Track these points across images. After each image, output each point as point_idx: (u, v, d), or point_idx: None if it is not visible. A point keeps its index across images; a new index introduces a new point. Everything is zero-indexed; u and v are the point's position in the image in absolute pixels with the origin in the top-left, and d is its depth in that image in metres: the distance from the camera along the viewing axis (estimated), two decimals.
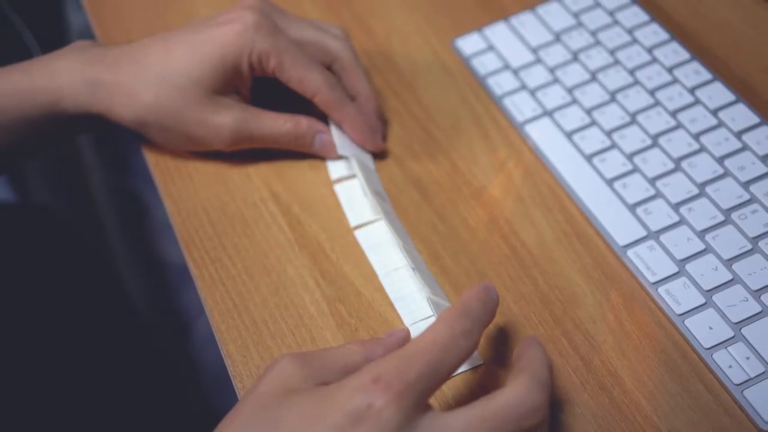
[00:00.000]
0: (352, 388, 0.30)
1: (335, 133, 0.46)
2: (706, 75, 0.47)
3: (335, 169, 0.47)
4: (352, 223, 0.44)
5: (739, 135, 0.45)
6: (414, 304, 0.41)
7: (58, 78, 0.43)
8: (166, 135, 0.45)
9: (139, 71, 0.44)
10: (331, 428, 0.29)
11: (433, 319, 0.40)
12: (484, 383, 0.38)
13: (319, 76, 0.44)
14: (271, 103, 0.46)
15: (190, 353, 1.00)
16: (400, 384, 0.29)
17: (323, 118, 0.47)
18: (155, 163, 0.48)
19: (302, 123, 0.45)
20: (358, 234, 0.44)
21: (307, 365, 0.32)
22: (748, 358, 0.37)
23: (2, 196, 0.86)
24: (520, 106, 0.48)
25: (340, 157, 0.47)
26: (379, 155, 0.48)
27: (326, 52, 0.46)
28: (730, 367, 0.37)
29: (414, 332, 0.40)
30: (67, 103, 0.44)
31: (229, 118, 0.44)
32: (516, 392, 0.31)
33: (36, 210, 0.84)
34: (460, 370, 0.38)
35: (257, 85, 0.46)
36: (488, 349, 0.39)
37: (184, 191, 0.46)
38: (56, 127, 0.45)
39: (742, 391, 0.36)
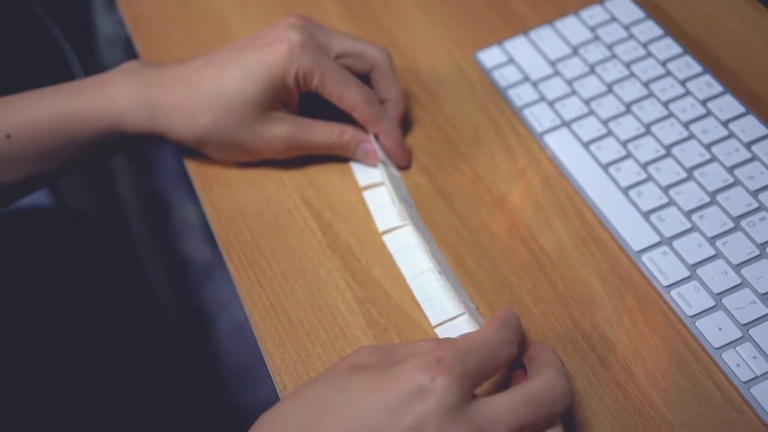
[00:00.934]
0: (417, 364, 0.32)
1: (372, 140, 0.49)
2: (717, 88, 0.50)
3: (363, 177, 0.49)
4: (381, 228, 0.47)
5: (749, 146, 0.47)
6: (440, 305, 0.44)
7: (118, 103, 0.46)
8: (223, 150, 0.49)
9: (195, 94, 0.46)
10: (396, 397, 0.32)
11: (460, 320, 0.43)
12: (508, 378, 0.41)
13: (358, 92, 0.47)
14: (318, 109, 0.49)
15: (212, 350, 1.02)
16: (460, 368, 0.32)
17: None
18: (194, 171, 0.51)
19: (348, 133, 0.48)
20: (386, 238, 0.47)
21: (381, 352, 0.35)
22: (755, 358, 0.40)
23: (36, 198, 0.89)
24: (539, 117, 0.51)
25: (374, 166, 0.49)
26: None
27: (366, 61, 0.49)
28: (738, 365, 0.39)
29: (440, 332, 0.43)
30: (128, 126, 0.47)
31: (281, 131, 0.47)
32: (548, 379, 0.34)
33: (68, 211, 0.87)
34: None
35: (305, 93, 0.49)
36: None
37: (223, 198, 0.49)
38: (117, 146, 0.48)
39: (749, 389, 0.39)
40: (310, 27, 0.47)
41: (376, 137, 0.49)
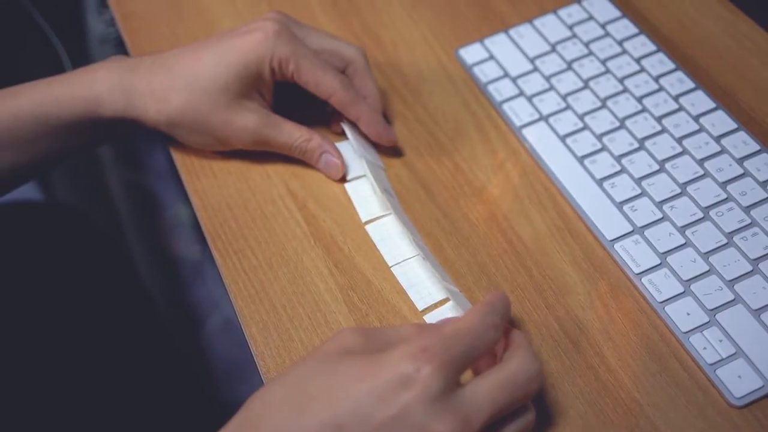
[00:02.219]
0: (402, 353, 0.33)
1: (351, 136, 0.50)
2: (689, 84, 0.51)
3: (349, 169, 0.51)
4: (363, 218, 0.49)
5: (718, 139, 0.49)
6: (425, 290, 0.45)
7: (96, 87, 0.48)
8: (194, 136, 0.49)
9: (170, 78, 0.48)
10: (382, 385, 0.33)
11: (447, 305, 0.44)
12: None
13: (334, 78, 0.48)
14: (294, 109, 0.50)
15: (203, 346, 1.03)
16: (445, 356, 0.33)
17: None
18: (182, 162, 0.52)
19: (313, 140, 0.49)
20: (369, 228, 0.48)
21: (366, 336, 0.36)
22: (720, 341, 0.41)
23: (28, 194, 0.90)
24: (518, 112, 0.52)
25: (335, 179, 0.50)
26: (388, 154, 0.52)
27: (341, 58, 0.50)
28: (705, 348, 0.41)
29: (427, 318, 0.44)
30: (105, 109, 0.48)
31: (250, 122, 0.48)
32: (520, 361, 0.36)
33: (59, 206, 0.88)
34: None
35: (282, 92, 0.51)
36: None
37: (209, 189, 0.51)
38: (94, 131, 0.49)
39: (714, 370, 0.40)
40: (287, 21, 0.49)
41: (357, 123, 0.50)
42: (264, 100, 0.50)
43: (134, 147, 1.11)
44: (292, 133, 0.49)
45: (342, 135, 0.52)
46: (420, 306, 0.45)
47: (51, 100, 0.48)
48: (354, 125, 0.51)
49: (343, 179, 0.50)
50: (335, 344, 0.36)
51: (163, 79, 0.48)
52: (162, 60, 0.49)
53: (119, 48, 1.04)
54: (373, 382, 0.33)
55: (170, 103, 0.48)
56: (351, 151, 0.51)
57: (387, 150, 0.52)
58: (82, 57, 1.02)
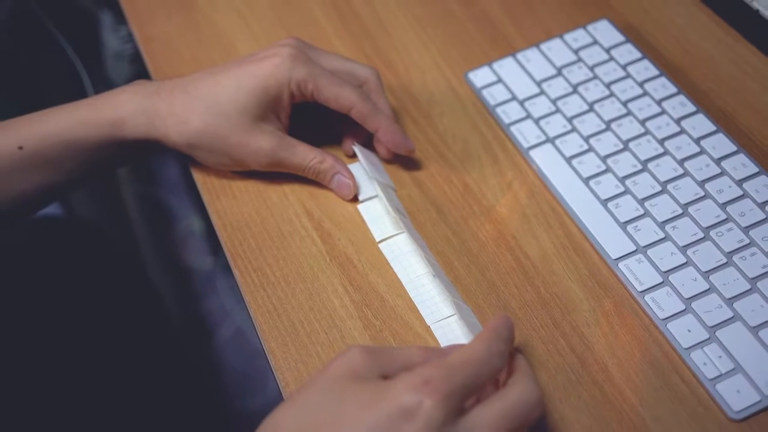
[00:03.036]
0: (406, 384, 0.34)
1: (362, 158, 0.52)
2: (690, 107, 0.53)
3: (360, 190, 0.53)
4: (377, 237, 0.51)
5: (718, 161, 0.50)
6: (434, 306, 0.47)
7: (121, 110, 0.50)
8: (212, 156, 0.52)
9: (191, 101, 0.50)
10: (385, 417, 0.34)
11: (452, 320, 0.46)
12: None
13: (352, 92, 0.51)
14: (308, 131, 0.53)
15: (214, 356, 1.05)
16: (447, 389, 0.34)
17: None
18: (202, 182, 0.54)
19: (326, 161, 0.52)
20: (383, 246, 0.50)
21: (373, 358, 0.37)
22: (720, 357, 0.43)
23: (48, 209, 0.92)
24: (525, 133, 0.54)
25: (346, 199, 0.52)
26: (399, 175, 0.54)
27: (355, 78, 0.53)
28: (705, 364, 0.43)
29: (435, 329, 0.46)
30: (129, 131, 0.50)
31: (266, 144, 0.50)
32: (521, 389, 0.37)
33: (77, 221, 0.90)
34: None
35: (296, 115, 0.53)
36: None
37: (229, 208, 0.53)
38: (119, 152, 0.51)
39: (714, 385, 0.42)
40: (302, 45, 0.51)
41: (376, 133, 0.52)
42: (281, 122, 0.52)
43: (148, 160, 1.14)
44: (307, 155, 0.51)
45: (353, 158, 0.54)
46: (429, 321, 0.47)
47: (77, 122, 0.50)
48: (365, 148, 0.54)
49: (355, 200, 0.52)
50: (344, 366, 0.37)
51: (183, 103, 0.50)
52: (183, 84, 0.51)
53: (134, 64, 1.06)
54: (377, 413, 0.34)
55: (190, 125, 0.50)
56: (363, 172, 0.53)
57: (398, 171, 0.54)
58: (98, 73, 1.04)
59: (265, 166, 0.52)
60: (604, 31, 0.59)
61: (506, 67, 0.58)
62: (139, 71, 1.05)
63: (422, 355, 0.38)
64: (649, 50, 0.58)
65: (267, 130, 0.51)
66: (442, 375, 0.35)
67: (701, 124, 0.52)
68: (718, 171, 0.50)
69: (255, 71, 0.50)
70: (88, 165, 0.51)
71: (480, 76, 0.58)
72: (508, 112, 0.56)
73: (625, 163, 0.52)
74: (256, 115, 0.50)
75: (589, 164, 0.52)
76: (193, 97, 0.50)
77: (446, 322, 0.46)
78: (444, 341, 0.46)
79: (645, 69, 0.56)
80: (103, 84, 1.04)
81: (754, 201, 0.48)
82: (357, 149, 0.53)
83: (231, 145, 0.50)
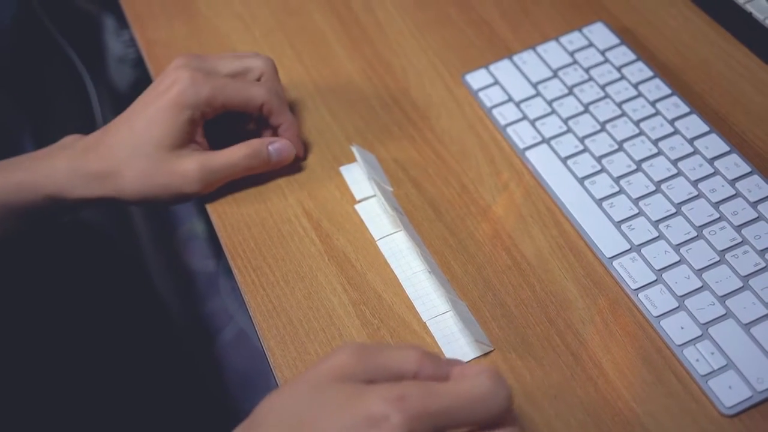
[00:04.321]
0: (380, 395, 0.34)
1: (360, 158, 0.53)
2: (684, 108, 0.54)
3: (357, 190, 0.54)
4: (375, 236, 0.51)
5: (711, 161, 0.51)
6: (430, 302, 0.48)
7: (55, 176, 0.51)
8: (155, 195, 0.52)
9: (116, 155, 0.51)
10: (351, 422, 0.34)
11: (447, 315, 0.47)
12: (496, 364, 0.44)
13: (259, 90, 0.52)
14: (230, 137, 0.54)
15: (216, 358, 1.06)
16: (418, 410, 0.33)
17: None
18: None
19: (253, 142, 0.53)
20: (380, 243, 0.51)
21: (363, 360, 0.36)
22: (712, 353, 0.44)
23: None
24: (521, 134, 0.55)
25: (291, 159, 0.54)
26: (397, 175, 0.54)
27: (254, 72, 0.54)
28: (698, 360, 0.43)
29: (430, 326, 0.47)
30: (67, 194, 0.52)
31: (191, 165, 0.51)
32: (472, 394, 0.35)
33: (78, 222, 0.91)
34: (474, 356, 0.45)
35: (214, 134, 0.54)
36: (498, 338, 0.46)
37: (229, 209, 0.54)
38: (60, 211, 0.53)
39: (706, 381, 0.43)
40: (194, 61, 0.52)
41: (279, 129, 0.54)
42: (197, 143, 0.52)
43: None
44: (232, 153, 0.52)
45: (351, 158, 0.55)
46: (425, 317, 0.47)
47: (14, 186, 0.51)
48: (363, 149, 0.54)
49: (353, 200, 0.53)
50: (333, 365, 0.36)
51: (110, 159, 0.51)
52: (105, 138, 0.52)
53: (137, 68, 1.07)
54: (347, 417, 0.34)
55: (125, 178, 0.51)
56: (360, 172, 0.54)
57: (396, 171, 0.55)
58: (101, 77, 1.05)
59: (202, 185, 0.52)
60: (599, 33, 0.59)
61: (502, 69, 0.59)
62: (141, 75, 1.06)
63: (416, 361, 0.37)
64: (643, 52, 0.59)
65: (186, 153, 0.51)
66: (420, 395, 0.34)
67: (695, 124, 0.53)
68: (711, 171, 0.51)
69: (162, 105, 0.51)
70: (28, 224, 0.53)
71: (477, 78, 0.59)
72: (505, 114, 0.56)
73: (619, 164, 0.52)
74: (173, 145, 0.51)
75: (584, 164, 0.53)
76: (117, 150, 0.51)
77: (441, 318, 0.47)
78: (439, 336, 0.46)
79: (639, 71, 0.57)
80: (106, 88, 1.05)
81: (747, 200, 0.49)
82: (355, 149, 0.54)
83: (162, 178, 0.51)
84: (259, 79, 0.54)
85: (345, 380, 0.36)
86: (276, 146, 0.53)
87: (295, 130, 0.55)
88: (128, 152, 0.51)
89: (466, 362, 0.45)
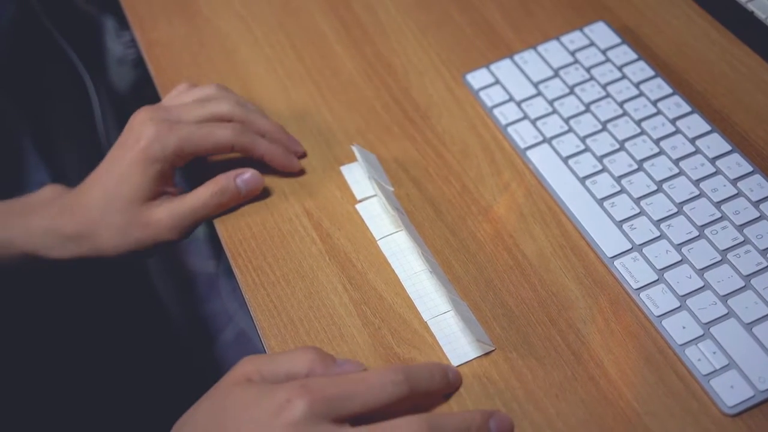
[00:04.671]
0: (284, 387, 0.39)
1: (360, 158, 0.53)
2: (686, 107, 0.54)
3: (358, 190, 0.54)
4: (376, 236, 0.51)
5: (713, 161, 0.51)
6: (431, 302, 0.48)
7: (32, 234, 0.52)
8: (132, 249, 0.52)
9: (90, 215, 0.51)
10: (263, 411, 0.38)
11: (448, 315, 0.47)
12: (498, 364, 0.45)
13: (226, 131, 0.51)
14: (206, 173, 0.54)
15: (217, 359, 1.06)
16: (317, 394, 0.38)
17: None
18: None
19: (220, 179, 0.52)
20: (381, 243, 0.51)
21: (259, 365, 0.41)
22: (714, 353, 0.43)
23: None
24: (522, 134, 0.55)
25: (258, 192, 0.53)
26: (398, 175, 0.54)
27: (219, 116, 0.53)
28: (699, 360, 0.43)
29: (431, 326, 0.47)
30: (44, 254, 0.52)
31: (163, 213, 0.51)
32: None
33: None
34: (475, 355, 0.45)
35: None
36: (500, 338, 0.46)
37: (230, 209, 0.53)
38: (38, 269, 0.54)
39: (708, 381, 0.43)
40: (158, 113, 0.52)
41: (263, 161, 0.53)
42: (169, 193, 0.52)
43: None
44: (200, 192, 0.52)
45: (352, 158, 0.55)
46: (426, 317, 0.47)
47: None
48: (363, 149, 0.54)
49: (353, 200, 0.53)
50: (232, 374, 0.41)
51: (85, 221, 0.51)
52: (79, 197, 0.52)
53: (138, 69, 1.07)
54: (257, 411, 0.38)
55: (102, 237, 0.51)
56: (361, 172, 0.54)
57: (397, 171, 0.55)
58: (102, 78, 1.05)
59: (179, 232, 0.52)
60: (601, 32, 0.59)
61: (504, 68, 0.59)
62: (142, 76, 1.06)
63: (309, 362, 0.41)
64: (644, 52, 0.59)
65: (157, 204, 0.51)
66: (320, 383, 0.39)
67: (696, 124, 0.53)
68: (713, 170, 0.51)
69: (130, 161, 0.50)
70: (5, 279, 0.54)
71: (478, 78, 0.59)
72: (506, 113, 0.56)
73: (620, 163, 0.52)
74: (144, 199, 0.51)
75: (586, 164, 0.53)
76: (91, 210, 0.51)
77: (443, 318, 0.47)
78: (440, 336, 0.46)
79: (641, 70, 0.57)
80: (107, 89, 1.05)
81: (749, 199, 0.49)
82: (356, 149, 0.54)
83: (135, 235, 0.51)
84: (231, 120, 0.53)
85: (248, 383, 0.40)
86: (244, 178, 0.52)
87: (283, 136, 0.54)
88: (102, 212, 0.51)
89: (458, 365, 0.45)
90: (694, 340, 0.44)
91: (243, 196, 0.53)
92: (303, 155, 0.56)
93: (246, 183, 0.52)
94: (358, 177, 0.54)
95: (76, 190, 0.53)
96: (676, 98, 0.54)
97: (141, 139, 0.50)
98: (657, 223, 0.49)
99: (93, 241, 0.51)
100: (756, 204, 0.49)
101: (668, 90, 0.55)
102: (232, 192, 0.52)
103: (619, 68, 0.57)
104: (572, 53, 0.59)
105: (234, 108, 0.53)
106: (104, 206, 0.51)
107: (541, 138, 0.55)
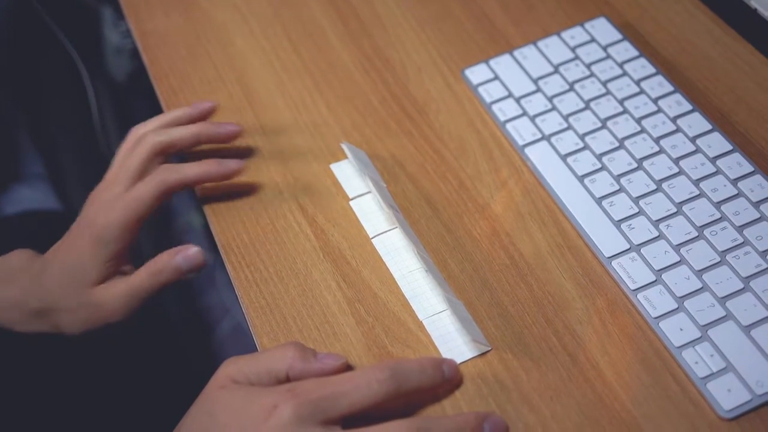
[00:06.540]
0: (273, 392, 0.39)
1: (351, 155, 0.52)
2: (687, 106, 0.53)
3: (351, 187, 0.53)
4: (370, 233, 0.51)
5: (714, 160, 0.50)
6: (426, 301, 0.47)
7: (4, 311, 0.51)
8: (88, 328, 0.51)
9: (49, 294, 0.50)
10: (251, 418, 0.38)
11: (444, 314, 0.46)
12: (492, 364, 0.44)
13: (148, 186, 0.50)
14: None
15: (214, 352, 1.05)
16: (304, 397, 0.38)
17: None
18: None
19: (160, 258, 0.50)
20: (376, 241, 0.50)
21: (241, 365, 0.41)
22: (712, 356, 0.43)
23: (44, 204, 0.92)
24: (521, 131, 0.54)
25: (201, 266, 0.50)
26: (394, 171, 0.54)
27: (146, 164, 0.51)
28: (696, 363, 0.43)
29: (427, 325, 0.46)
30: (10, 327, 0.51)
31: (108, 296, 0.50)
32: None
33: (74, 216, 0.90)
34: (471, 355, 0.45)
35: None
36: (495, 338, 0.45)
37: (223, 204, 0.53)
38: (6, 343, 0.52)
39: (705, 384, 0.42)
40: (102, 194, 0.51)
41: (213, 180, 0.52)
42: (123, 272, 0.51)
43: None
44: (140, 275, 0.50)
45: (342, 155, 0.54)
46: (421, 316, 0.47)
47: None
48: (353, 146, 0.54)
49: (348, 196, 0.52)
50: (216, 377, 0.41)
51: (47, 299, 0.50)
52: (43, 278, 0.51)
53: (135, 59, 1.07)
54: (245, 418, 0.39)
55: (60, 315, 0.50)
56: (353, 169, 0.53)
57: (393, 167, 0.54)
58: (99, 68, 1.04)
59: (127, 311, 0.51)
60: (602, 28, 0.59)
61: (503, 64, 0.58)
62: (138, 66, 1.05)
63: (289, 359, 0.41)
64: (646, 48, 0.58)
65: (104, 286, 0.50)
66: (306, 386, 0.39)
67: (697, 122, 0.52)
68: (713, 170, 0.50)
69: (86, 242, 0.50)
70: None
71: (476, 73, 0.58)
72: (504, 110, 0.56)
73: (620, 161, 0.51)
74: (94, 281, 0.50)
75: (585, 162, 0.52)
76: (51, 288, 0.50)
77: (438, 317, 0.46)
78: (436, 336, 0.46)
79: (642, 67, 0.56)
80: (103, 79, 1.04)
81: (749, 200, 0.48)
82: (345, 146, 0.53)
83: (86, 316, 0.51)
84: (162, 162, 0.52)
85: (233, 386, 0.40)
86: (185, 255, 0.50)
87: (217, 177, 0.51)
88: (59, 294, 0.50)
89: (445, 359, 0.44)
90: (691, 342, 0.44)
91: (184, 271, 0.50)
92: (238, 133, 0.53)
93: (187, 259, 0.50)
94: (349, 174, 0.53)
95: (41, 262, 0.52)
96: (677, 96, 0.54)
97: (97, 217, 0.50)
98: (656, 223, 0.48)
99: (53, 318, 0.51)
100: (756, 205, 0.48)
101: (669, 87, 0.54)
102: (170, 271, 0.50)
103: (620, 65, 0.56)
104: (573, 49, 0.58)
105: (150, 151, 0.51)
106: (60, 287, 0.51)
107: (539, 135, 0.54)
